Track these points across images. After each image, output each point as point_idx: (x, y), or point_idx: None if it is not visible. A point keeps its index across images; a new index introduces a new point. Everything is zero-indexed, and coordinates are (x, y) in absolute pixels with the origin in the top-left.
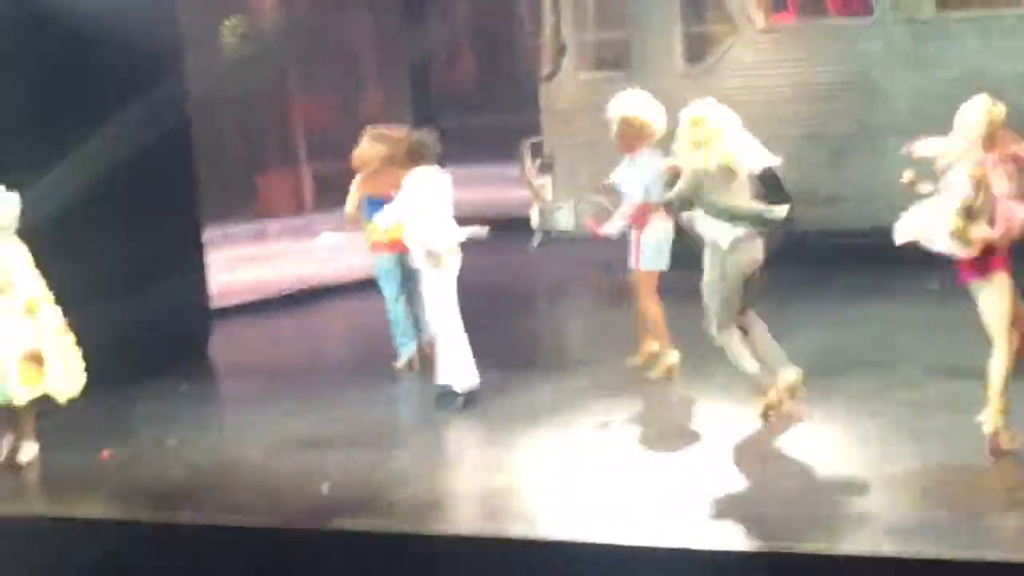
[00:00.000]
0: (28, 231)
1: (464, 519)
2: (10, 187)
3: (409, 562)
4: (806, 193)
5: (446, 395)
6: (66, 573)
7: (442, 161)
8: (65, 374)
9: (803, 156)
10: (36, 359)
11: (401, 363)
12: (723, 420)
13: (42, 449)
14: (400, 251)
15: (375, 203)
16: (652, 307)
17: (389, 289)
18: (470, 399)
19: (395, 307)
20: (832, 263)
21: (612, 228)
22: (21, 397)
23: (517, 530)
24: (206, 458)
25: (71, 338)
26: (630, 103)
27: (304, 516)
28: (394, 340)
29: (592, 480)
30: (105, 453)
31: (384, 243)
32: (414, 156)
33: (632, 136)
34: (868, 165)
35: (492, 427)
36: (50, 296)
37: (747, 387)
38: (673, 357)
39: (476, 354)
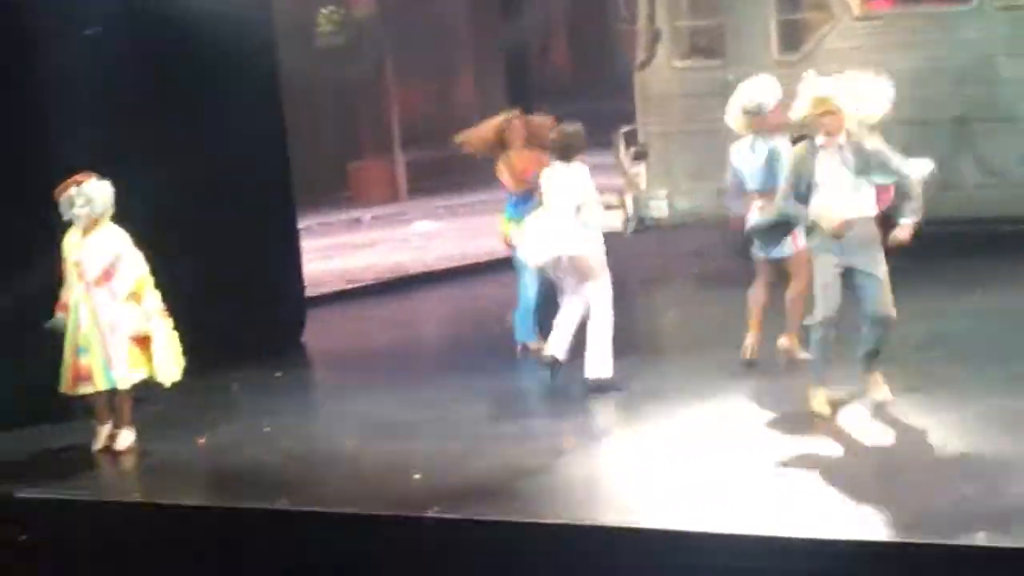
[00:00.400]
0: (127, 220)
1: (565, 507)
2: (111, 177)
3: (502, 550)
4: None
5: (594, 384)
6: (162, 558)
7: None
8: (170, 357)
9: (901, 143)
10: (142, 343)
11: (535, 346)
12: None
13: (139, 436)
14: None
15: (520, 200)
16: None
17: (529, 277)
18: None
19: (527, 296)
20: (934, 251)
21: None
22: (127, 381)
23: (634, 520)
24: (301, 445)
25: (171, 322)
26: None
27: (397, 504)
28: (520, 328)
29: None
30: (200, 439)
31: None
32: (563, 150)
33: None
34: (967, 152)
35: (598, 414)
36: (151, 280)
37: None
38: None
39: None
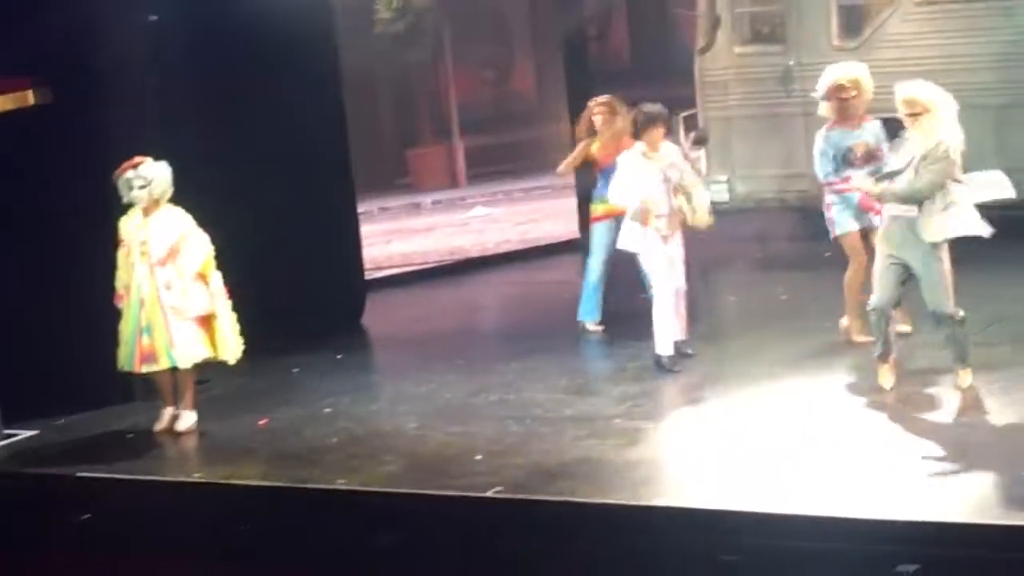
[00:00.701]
0: (188, 203)
1: (626, 488)
2: (172, 161)
3: (563, 531)
4: (965, 166)
5: (665, 359)
6: (222, 539)
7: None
8: (233, 336)
9: (960, 128)
10: (206, 323)
11: (592, 327)
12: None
13: (200, 418)
14: (614, 218)
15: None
16: None
17: (596, 257)
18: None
19: (596, 274)
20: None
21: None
22: (188, 360)
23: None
24: (360, 426)
25: (229, 303)
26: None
27: (458, 485)
28: (581, 307)
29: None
30: (262, 420)
31: (600, 214)
32: (646, 127)
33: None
34: None
35: (661, 396)
36: (213, 262)
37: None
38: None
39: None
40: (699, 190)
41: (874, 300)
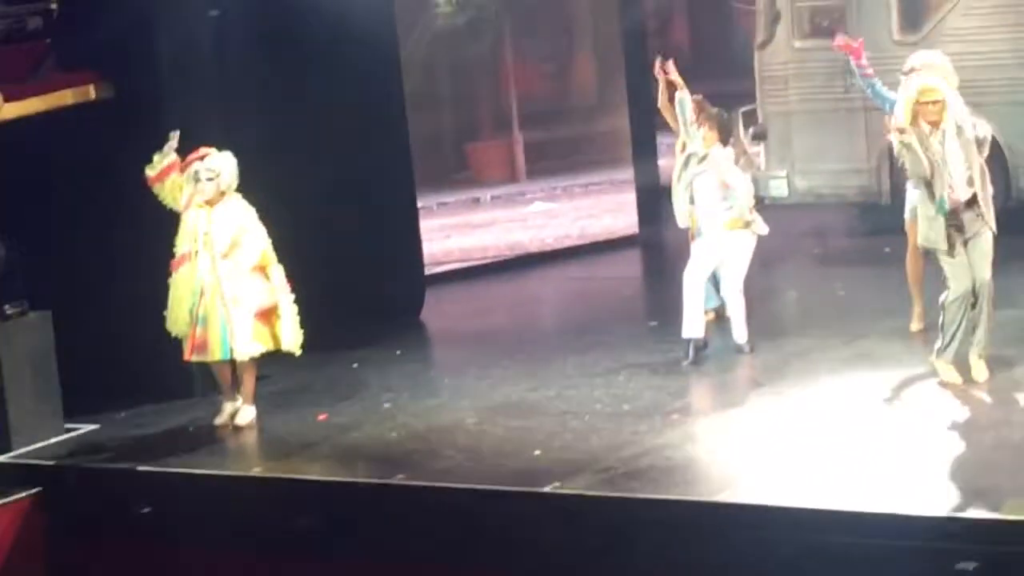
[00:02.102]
0: (250, 198)
1: (684, 484)
2: (235, 156)
3: (621, 527)
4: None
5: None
6: (281, 532)
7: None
8: (294, 329)
9: (1021, 124)
10: (266, 317)
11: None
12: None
13: (260, 412)
14: None
15: None
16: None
17: None
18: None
19: None
20: None
21: None
22: (246, 353)
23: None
24: (419, 421)
25: (291, 296)
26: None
27: (516, 480)
28: None
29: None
30: (322, 415)
31: None
32: (724, 134)
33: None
34: None
35: (721, 392)
36: (274, 254)
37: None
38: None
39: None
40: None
41: (959, 289)
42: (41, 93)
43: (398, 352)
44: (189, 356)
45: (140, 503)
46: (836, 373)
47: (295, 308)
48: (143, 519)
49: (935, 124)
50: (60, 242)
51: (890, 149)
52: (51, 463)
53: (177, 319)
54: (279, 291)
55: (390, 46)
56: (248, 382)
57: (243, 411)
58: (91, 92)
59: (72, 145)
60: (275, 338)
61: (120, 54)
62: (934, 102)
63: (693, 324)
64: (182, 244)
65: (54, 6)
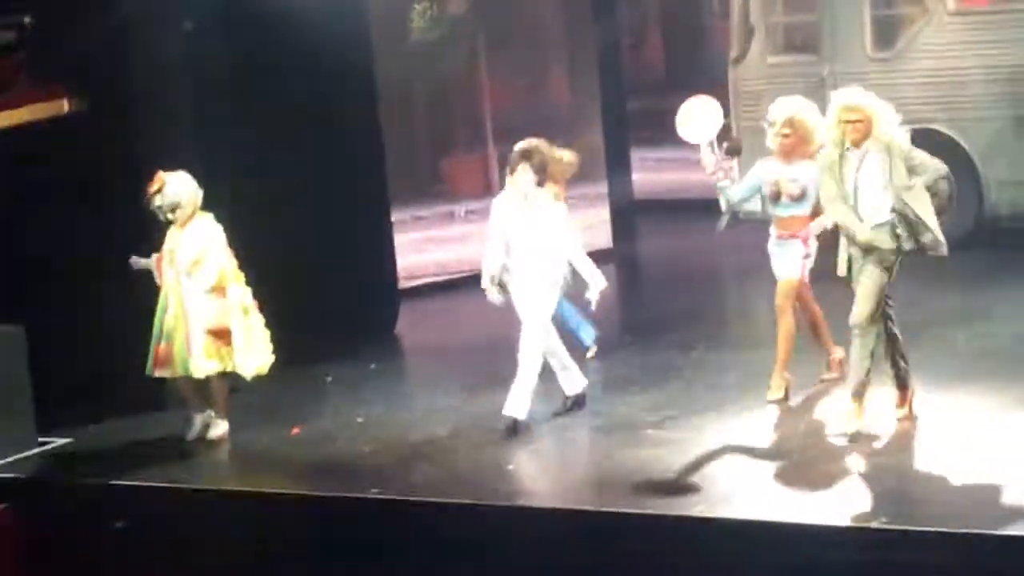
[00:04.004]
0: (221, 213)
1: (664, 499)
2: (206, 170)
3: (593, 541)
4: (999, 176)
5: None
6: (255, 547)
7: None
8: (248, 351)
9: (996, 139)
10: (220, 336)
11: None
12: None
13: (233, 426)
14: None
15: None
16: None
17: None
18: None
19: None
20: None
21: None
22: (201, 370)
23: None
24: (393, 435)
25: (260, 318)
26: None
27: (490, 494)
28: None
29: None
30: (295, 429)
31: None
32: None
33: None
34: None
35: (694, 409)
36: (240, 276)
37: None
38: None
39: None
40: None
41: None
42: (14, 107)
43: (372, 366)
44: (153, 370)
45: (114, 518)
46: (812, 387)
47: (258, 331)
48: (117, 534)
49: (856, 143)
50: (32, 257)
51: None
52: (24, 477)
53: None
54: (233, 312)
55: (365, 61)
56: (219, 397)
57: (215, 425)
58: (64, 106)
59: (45, 159)
60: (230, 360)
61: (94, 68)
62: (855, 121)
63: (518, 403)
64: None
65: (28, 20)
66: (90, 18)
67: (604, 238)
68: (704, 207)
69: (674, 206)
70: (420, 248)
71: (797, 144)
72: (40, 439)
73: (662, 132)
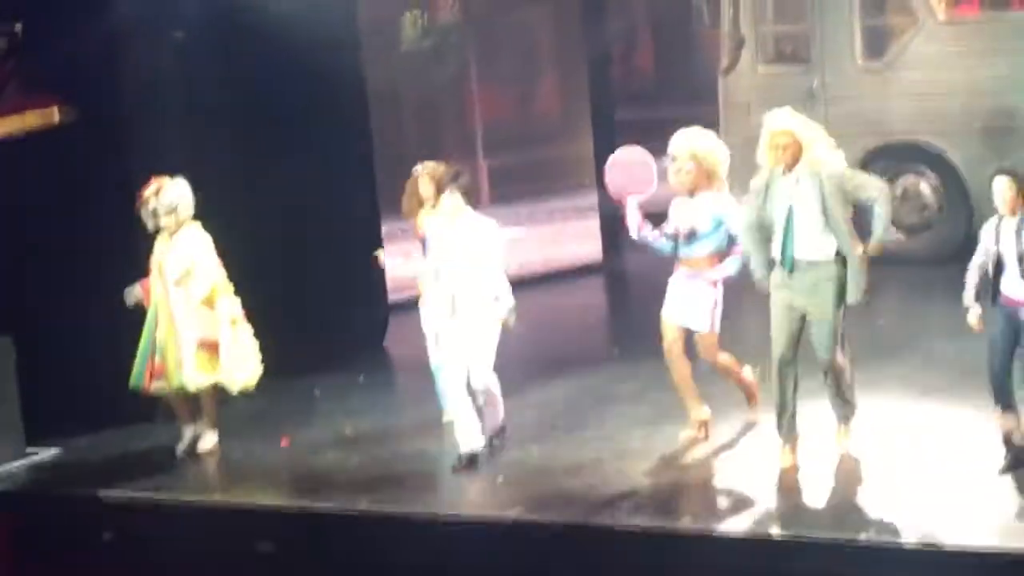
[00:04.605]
0: (211, 225)
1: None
2: (198, 181)
3: (582, 553)
4: (987, 190)
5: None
6: (244, 559)
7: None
8: (237, 364)
9: (986, 152)
10: (211, 348)
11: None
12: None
13: (222, 438)
14: None
15: None
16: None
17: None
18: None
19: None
20: None
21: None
22: (193, 383)
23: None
24: (382, 448)
25: (249, 329)
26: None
27: (479, 506)
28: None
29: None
30: (284, 440)
31: None
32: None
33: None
34: None
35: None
36: (229, 287)
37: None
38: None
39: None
40: None
41: (774, 352)
42: (4, 116)
43: (361, 378)
44: (148, 384)
45: (102, 529)
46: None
47: (246, 343)
48: (105, 545)
49: (788, 167)
50: (21, 266)
51: None
52: (12, 488)
53: (135, 374)
54: (222, 324)
55: (355, 71)
56: (209, 408)
57: (205, 437)
58: (55, 115)
59: (35, 169)
60: (218, 371)
61: (84, 77)
62: (784, 146)
63: (469, 434)
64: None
65: (18, 29)
66: (81, 27)
67: (594, 250)
68: None
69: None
70: (410, 260)
71: (701, 179)
72: (28, 450)
73: (653, 143)
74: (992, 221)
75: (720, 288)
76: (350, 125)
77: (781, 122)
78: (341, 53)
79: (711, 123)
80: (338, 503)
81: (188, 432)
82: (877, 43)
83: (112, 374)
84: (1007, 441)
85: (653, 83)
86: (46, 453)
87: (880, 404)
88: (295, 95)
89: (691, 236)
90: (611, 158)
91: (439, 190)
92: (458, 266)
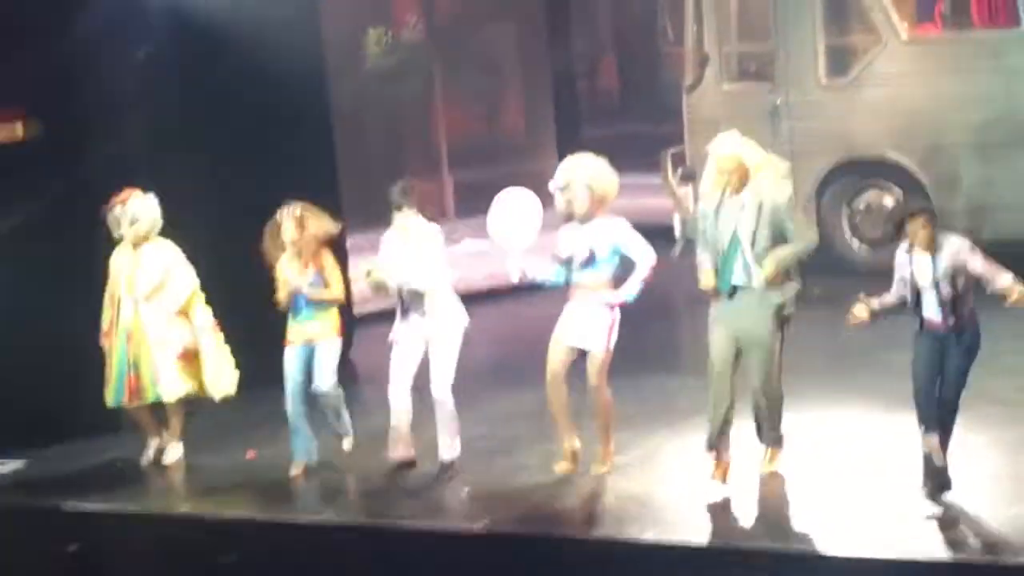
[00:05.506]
0: (176, 237)
1: (609, 522)
2: (161, 195)
3: (547, 565)
4: (951, 204)
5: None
6: (210, 571)
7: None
8: (220, 372)
9: (949, 167)
10: (190, 358)
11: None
12: None
13: (188, 450)
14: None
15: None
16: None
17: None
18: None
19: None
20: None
21: None
22: (172, 395)
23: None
24: (348, 460)
25: (221, 336)
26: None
27: (445, 517)
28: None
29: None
30: (250, 453)
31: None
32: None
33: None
34: (1013, 177)
35: (643, 432)
36: (202, 296)
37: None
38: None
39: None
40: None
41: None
42: None
43: None
44: (129, 402)
45: (66, 541)
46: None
47: (223, 351)
48: (69, 557)
49: (735, 191)
50: None
51: (818, 191)
52: None
53: (112, 392)
54: (201, 333)
55: (319, 87)
56: (176, 420)
57: (170, 449)
58: (18, 130)
59: None
60: (199, 381)
61: (48, 92)
62: (730, 171)
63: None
64: (106, 317)
65: None
66: (44, 41)
67: None
68: (657, 233)
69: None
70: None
71: (595, 206)
72: None
73: (617, 159)
74: (902, 247)
75: (617, 312)
76: (315, 140)
77: (727, 147)
78: (306, 69)
79: (676, 139)
80: (303, 515)
81: (153, 444)
82: (841, 61)
83: (77, 385)
84: (928, 462)
85: (618, 100)
86: (10, 465)
87: (841, 416)
88: (259, 110)
89: (588, 261)
90: (496, 200)
91: (398, 207)
92: (414, 279)
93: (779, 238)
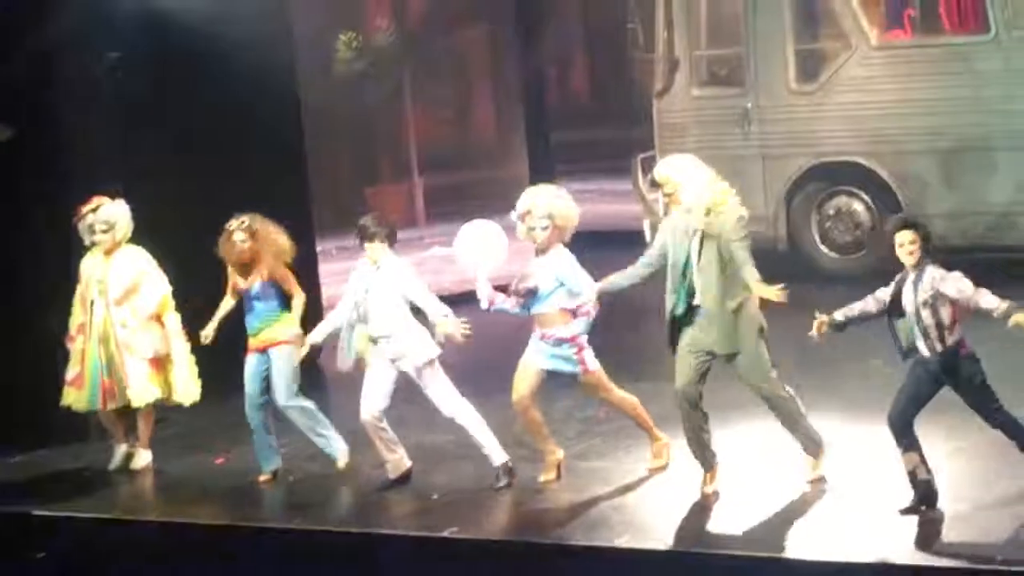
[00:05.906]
0: (147, 243)
1: (577, 528)
2: (131, 201)
3: (517, 571)
4: (921, 209)
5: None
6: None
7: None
8: (188, 378)
9: (917, 172)
10: (159, 364)
11: (266, 476)
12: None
13: (156, 456)
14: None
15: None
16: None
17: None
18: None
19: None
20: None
21: None
22: (141, 399)
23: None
24: (318, 465)
25: (188, 344)
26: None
27: (415, 523)
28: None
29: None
30: (219, 459)
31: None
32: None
33: None
34: (982, 182)
35: (613, 438)
36: (172, 302)
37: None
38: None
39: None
40: None
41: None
42: None
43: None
44: (104, 406)
45: (34, 548)
46: (747, 419)
47: (191, 358)
48: (37, 564)
49: (676, 205)
50: None
51: (788, 196)
52: None
53: (87, 397)
54: (172, 338)
55: (290, 91)
56: (144, 426)
57: (139, 455)
58: None
59: None
60: (169, 386)
61: (19, 96)
62: (669, 193)
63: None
64: (74, 320)
65: None
66: (15, 45)
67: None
68: (626, 239)
69: (598, 238)
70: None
71: (554, 237)
72: None
73: (586, 163)
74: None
75: (582, 339)
76: (284, 144)
77: (662, 171)
78: (276, 73)
79: (647, 144)
80: (273, 521)
81: (120, 450)
82: (810, 66)
83: (45, 391)
84: (913, 477)
85: (589, 105)
86: None
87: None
88: (229, 113)
89: (531, 294)
90: (462, 231)
91: (369, 239)
92: (385, 310)
93: (724, 261)
